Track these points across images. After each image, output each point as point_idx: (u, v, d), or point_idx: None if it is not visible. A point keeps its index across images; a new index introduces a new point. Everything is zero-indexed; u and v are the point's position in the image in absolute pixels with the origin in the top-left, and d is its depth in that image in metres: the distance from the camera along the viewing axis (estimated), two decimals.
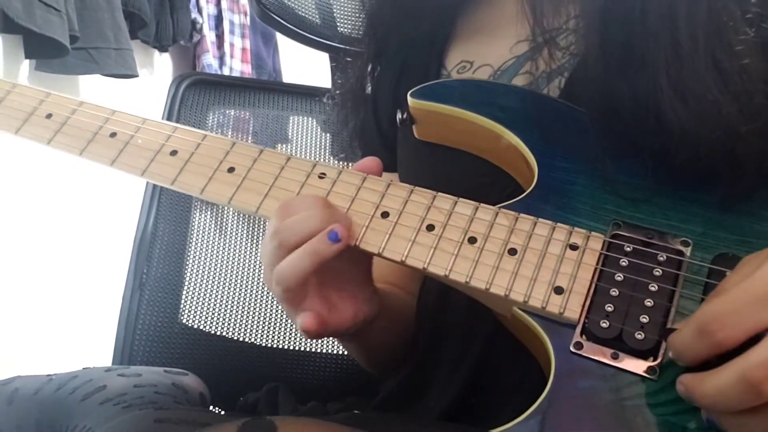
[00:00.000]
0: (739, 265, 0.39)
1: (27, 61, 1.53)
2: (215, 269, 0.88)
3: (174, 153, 0.56)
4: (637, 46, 0.46)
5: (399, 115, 0.58)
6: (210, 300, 0.87)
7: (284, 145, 1.01)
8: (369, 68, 0.73)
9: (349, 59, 0.77)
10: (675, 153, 0.45)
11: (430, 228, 0.49)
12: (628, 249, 0.45)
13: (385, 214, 0.50)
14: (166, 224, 0.87)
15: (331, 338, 0.90)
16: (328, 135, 0.99)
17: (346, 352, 0.89)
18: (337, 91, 0.77)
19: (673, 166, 0.45)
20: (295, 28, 0.94)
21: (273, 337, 0.88)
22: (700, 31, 0.44)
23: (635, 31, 0.46)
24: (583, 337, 0.43)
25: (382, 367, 0.66)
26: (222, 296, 0.87)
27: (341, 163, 0.86)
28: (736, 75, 0.43)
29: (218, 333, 0.85)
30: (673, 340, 0.39)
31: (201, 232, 0.90)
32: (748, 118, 0.43)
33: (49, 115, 0.60)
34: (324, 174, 0.53)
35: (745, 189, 0.45)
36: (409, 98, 0.56)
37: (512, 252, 0.47)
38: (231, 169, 0.54)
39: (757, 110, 0.43)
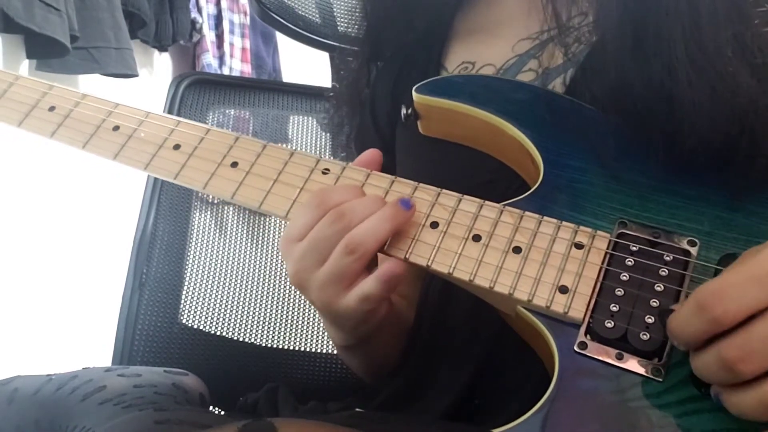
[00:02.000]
0: (740, 257, 0.39)
1: (27, 60, 1.53)
2: (215, 269, 0.88)
3: (177, 147, 0.55)
4: (653, 23, 0.46)
5: (404, 111, 0.58)
6: (210, 300, 0.86)
7: (284, 145, 1.01)
8: (366, 69, 0.73)
9: (349, 59, 0.76)
10: (687, 136, 0.44)
11: (434, 225, 0.48)
12: (634, 248, 0.45)
13: None
14: (166, 224, 0.87)
15: (329, 339, 0.89)
16: (328, 135, 0.99)
17: None
18: (333, 93, 0.77)
19: (684, 151, 0.45)
20: (295, 28, 0.94)
21: (273, 337, 0.88)
22: (720, 2, 0.44)
23: (652, 7, 0.46)
24: (588, 336, 0.43)
25: (378, 376, 0.65)
26: (222, 296, 0.87)
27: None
28: (756, 48, 0.43)
29: (218, 333, 0.85)
30: (672, 318, 0.39)
31: (201, 232, 0.89)
32: (767, 92, 0.43)
33: (52, 108, 0.59)
34: (328, 170, 0.52)
35: (758, 176, 0.44)
36: (414, 93, 0.56)
37: (517, 250, 0.46)
38: (234, 164, 0.54)
39: None
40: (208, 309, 0.86)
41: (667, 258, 0.44)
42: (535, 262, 0.45)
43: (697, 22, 0.44)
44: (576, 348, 0.43)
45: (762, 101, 0.42)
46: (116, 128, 0.57)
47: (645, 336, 0.42)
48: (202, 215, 0.90)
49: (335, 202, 0.48)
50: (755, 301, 0.35)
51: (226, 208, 0.92)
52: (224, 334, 0.86)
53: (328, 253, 0.47)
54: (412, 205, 0.48)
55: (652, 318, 0.42)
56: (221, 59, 2.24)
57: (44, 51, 1.46)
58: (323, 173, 0.52)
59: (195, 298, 0.86)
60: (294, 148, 0.98)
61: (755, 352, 0.34)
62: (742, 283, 0.35)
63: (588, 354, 0.42)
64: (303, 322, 0.90)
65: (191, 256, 0.88)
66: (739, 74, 0.43)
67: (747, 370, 0.35)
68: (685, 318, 0.38)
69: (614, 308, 0.43)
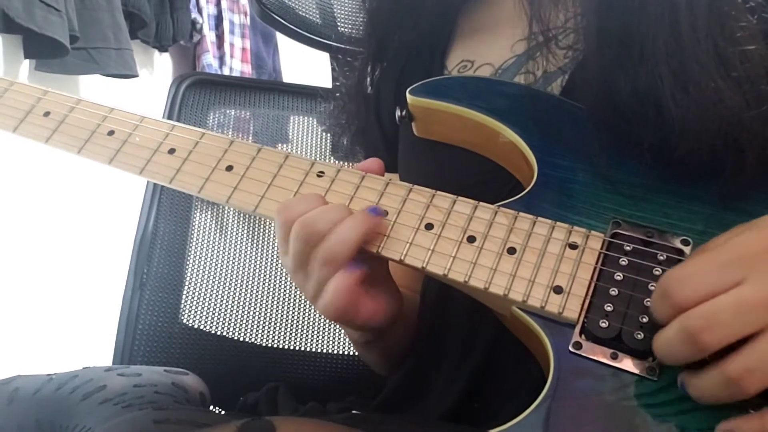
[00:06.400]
0: (708, 243, 0.40)
1: (27, 61, 1.53)
2: (215, 269, 0.88)
3: (172, 151, 0.56)
4: (635, 37, 0.46)
5: (398, 113, 0.58)
6: (210, 300, 0.87)
7: (285, 145, 1.01)
8: (369, 68, 0.73)
9: (350, 59, 0.77)
10: (676, 146, 0.45)
11: (429, 227, 0.49)
12: (628, 248, 0.45)
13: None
14: (167, 224, 0.88)
15: (330, 338, 0.90)
16: (328, 135, 0.99)
17: (346, 352, 0.89)
18: (337, 93, 0.77)
19: (674, 159, 0.45)
20: (295, 28, 0.94)
21: (273, 337, 0.88)
22: (701, 18, 0.44)
23: (634, 21, 0.46)
24: (583, 336, 0.43)
25: (396, 370, 0.65)
26: (222, 296, 0.87)
27: (341, 162, 0.86)
28: (738, 62, 0.43)
29: (218, 333, 0.86)
30: (650, 306, 0.41)
31: (201, 232, 0.90)
32: (752, 105, 0.43)
33: (47, 113, 0.59)
34: (322, 172, 0.53)
35: (748, 181, 0.44)
36: (408, 95, 0.56)
37: (511, 251, 0.46)
38: (229, 168, 0.54)
39: (761, 97, 0.43)
40: (208, 309, 0.86)
41: (661, 257, 0.44)
42: (529, 263, 0.46)
43: (678, 39, 0.44)
44: (571, 348, 0.43)
45: (745, 114, 0.43)
46: (111, 133, 0.57)
47: (639, 335, 0.42)
48: (203, 215, 0.90)
49: (297, 215, 0.48)
50: (715, 286, 0.36)
51: (226, 208, 0.92)
52: (224, 333, 0.86)
53: (308, 265, 0.48)
54: (380, 212, 0.49)
55: (646, 318, 0.42)
56: (221, 59, 2.24)
57: (44, 51, 1.46)
58: (318, 176, 0.52)
59: (195, 298, 0.86)
60: (294, 148, 0.99)
61: (719, 323, 0.35)
62: (703, 269, 0.37)
63: (583, 354, 0.43)
64: (303, 322, 0.90)
65: (192, 256, 0.88)
66: (722, 88, 0.43)
67: (710, 340, 0.35)
68: (654, 304, 0.39)
69: (608, 308, 0.43)
